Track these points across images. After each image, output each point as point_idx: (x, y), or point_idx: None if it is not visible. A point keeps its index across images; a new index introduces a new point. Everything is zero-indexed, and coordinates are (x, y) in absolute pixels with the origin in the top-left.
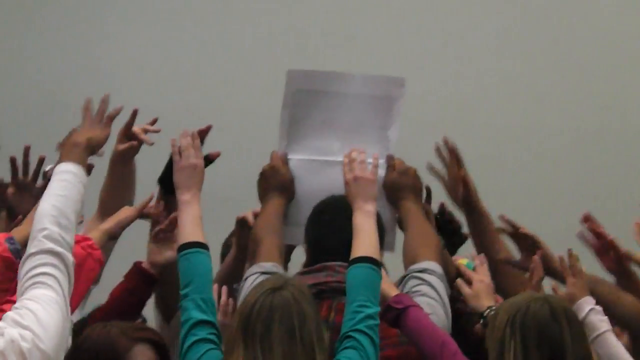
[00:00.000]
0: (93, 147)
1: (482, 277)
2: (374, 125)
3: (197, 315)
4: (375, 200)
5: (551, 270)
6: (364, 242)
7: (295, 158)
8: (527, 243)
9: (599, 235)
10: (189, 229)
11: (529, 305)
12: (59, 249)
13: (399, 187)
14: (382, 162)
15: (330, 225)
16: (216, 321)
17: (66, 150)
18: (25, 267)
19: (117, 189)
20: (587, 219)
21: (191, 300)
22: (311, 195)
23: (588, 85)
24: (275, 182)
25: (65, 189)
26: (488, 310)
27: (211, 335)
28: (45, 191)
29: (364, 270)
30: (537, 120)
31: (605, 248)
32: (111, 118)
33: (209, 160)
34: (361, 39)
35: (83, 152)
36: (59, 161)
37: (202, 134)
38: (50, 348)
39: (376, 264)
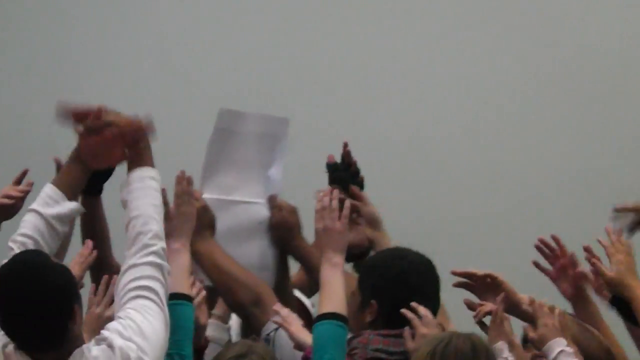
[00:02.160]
0: None
1: (546, 320)
2: (257, 165)
3: None
4: (344, 252)
5: (518, 311)
6: (331, 296)
7: (205, 196)
8: (487, 285)
9: (555, 254)
10: (175, 280)
11: (451, 339)
12: (159, 261)
13: (289, 226)
14: (262, 201)
15: (418, 290)
16: None
17: (148, 152)
18: (127, 277)
19: None
20: (542, 242)
21: (168, 356)
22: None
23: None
24: (207, 221)
25: (157, 198)
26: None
27: None
28: (137, 194)
29: (330, 327)
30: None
31: (562, 270)
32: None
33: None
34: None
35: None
36: (138, 163)
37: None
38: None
39: (343, 319)
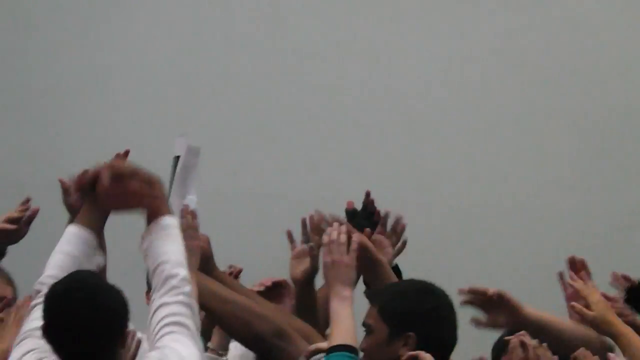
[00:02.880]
0: None
1: (597, 298)
2: (178, 195)
3: None
4: (353, 285)
5: (525, 326)
6: (341, 329)
7: None
8: (494, 302)
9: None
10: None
11: None
12: (189, 300)
13: (207, 255)
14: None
15: (454, 322)
16: None
17: (163, 201)
18: (160, 314)
19: None
20: (573, 260)
21: None
22: None
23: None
24: (208, 254)
25: (181, 244)
26: None
27: None
28: (162, 242)
29: (343, 359)
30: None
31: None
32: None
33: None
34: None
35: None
36: (156, 212)
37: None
38: None
39: (354, 351)
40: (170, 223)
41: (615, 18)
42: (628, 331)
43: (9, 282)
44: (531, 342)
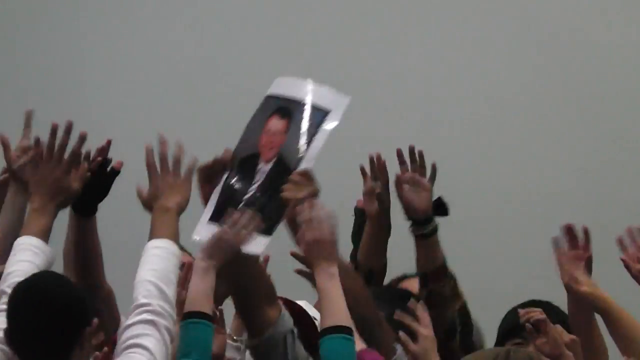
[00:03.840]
0: (182, 211)
1: (427, 332)
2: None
3: None
4: (337, 260)
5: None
6: (333, 309)
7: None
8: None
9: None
10: (198, 297)
11: (509, 354)
12: (152, 317)
13: None
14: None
15: None
16: None
17: (158, 217)
18: (121, 339)
19: None
20: (569, 228)
21: None
22: None
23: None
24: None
25: (156, 263)
26: None
27: None
28: (139, 268)
29: (339, 341)
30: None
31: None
32: (192, 171)
33: (114, 173)
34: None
35: (174, 218)
36: (150, 235)
37: (103, 151)
38: None
39: (349, 332)
40: (151, 245)
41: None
42: (620, 308)
43: None
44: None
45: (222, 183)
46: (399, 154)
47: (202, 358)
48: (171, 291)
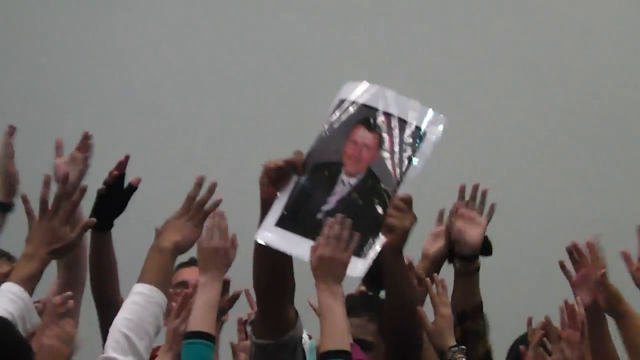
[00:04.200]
0: (181, 252)
1: (445, 311)
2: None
3: None
4: (341, 282)
5: None
6: (334, 331)
7: None
8: None
9: (583, 261)
10: (197, 316)
11: None
12: None
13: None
14: None
15: None
16: None
17: (150, 258)
18: None
19: None
20: (574, 247)
21: None
22: None
23: None
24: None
25: (130, 312)
26: (451, 351)
27: None
28: (120, 309)
29: None
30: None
31: (584, 278)
32: (206, 215)
33: (131, 189)
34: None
35: (167, 261)
36: (141, 275)
37: (121, 166)
38: None
39: (349, 357)
40: (134, 291)
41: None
42: (635, 313)
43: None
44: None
45: (291, 187)
46: (462, 190)
47: None
48: (143, 344)
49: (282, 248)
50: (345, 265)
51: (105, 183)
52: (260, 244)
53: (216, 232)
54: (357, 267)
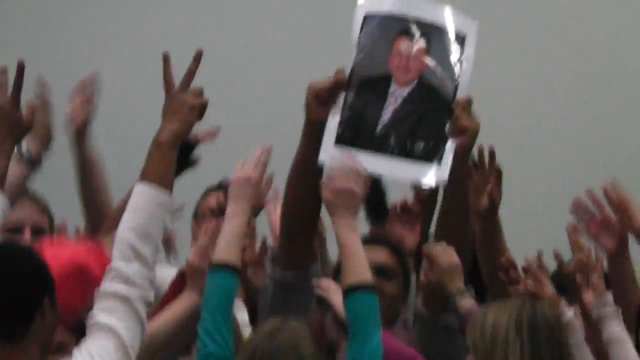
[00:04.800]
0: (180, 139)
1: (443, 262)
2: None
3: (210, 347)
4: (358, 216)
5: None
6: (358, 264)
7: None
8: None
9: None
10: (222, 245)
11: (534, 307)
12: (123, 292)
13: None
14: None
15: None
16: (229, 353)
17: (150, 153)
18: (95, 308)
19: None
20: (578, 202)
21: (205, 330)
22: None
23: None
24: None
25: (135, 216)
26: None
27: None
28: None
29: (365, 298)
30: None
31: (604, 225)
32: (201, 92)
33: (191, 146)
34: None
35: (167, 155)
36: (142, 172)
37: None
38: None
39: (373, 288)
40: (135, 190)
41: None
42: None
43: (44, 210)
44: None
45: (340, 106)
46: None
47: (220, 311)
48: (149, 249)
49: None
50: (360, 197)
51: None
52: (312, 164)
53: (250, 163)
54: (437, 174)
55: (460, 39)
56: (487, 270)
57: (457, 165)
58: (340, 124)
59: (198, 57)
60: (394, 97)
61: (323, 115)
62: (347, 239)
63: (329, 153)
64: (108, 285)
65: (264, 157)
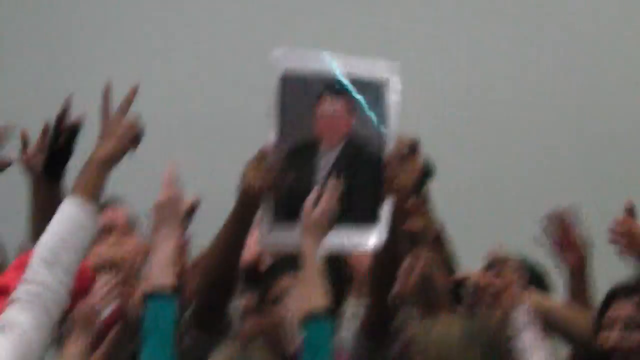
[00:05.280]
0: (112, 160)
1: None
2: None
3: None
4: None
5: None
6: (317, 285)
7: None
8: None
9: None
10: (155, 274)
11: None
12: (33, 293)
13: None
14: None
15: None
16: None
17: (82, 169)
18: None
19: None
20: (554, 214)
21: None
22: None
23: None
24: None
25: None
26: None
27: None
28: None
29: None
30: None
31: (568, 239)
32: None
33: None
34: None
35: (93, 171)
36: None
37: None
38: None
39: (326, 312)
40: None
41: None
42: None
43: None
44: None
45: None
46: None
47: (161, 339)
48: (63, 260)
49: (291, 244)
50: (332, 224)
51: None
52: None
53: (167, 184)
54: (371, 235)
55: (376, 85)
56: None
57: (397, 222)
58: (276, 202)
59: (134, 92)
60: (325, 162)
61: (257, 210)
62: (309, 260)
63: (269, 237)
64: (16, 294)
65: (174, 174)
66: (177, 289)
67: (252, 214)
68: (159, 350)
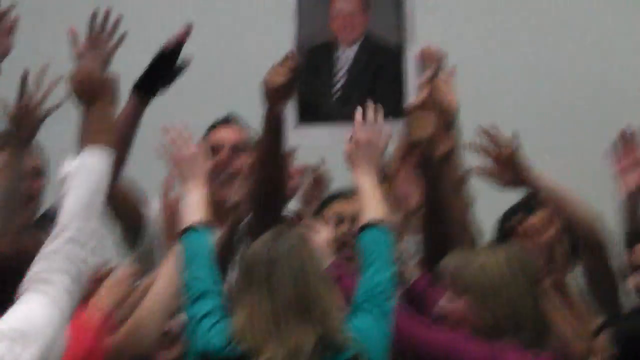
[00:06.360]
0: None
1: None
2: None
3: (202, 286)
4: (378, 167)
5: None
6: (372, 205)
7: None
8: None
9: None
10: (187, 217)
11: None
12: (69, 249)
13: None
14: None
15: None
16: (219, 291)
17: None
18: (36, 267)
19: None
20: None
21: (192, 277)
22: None
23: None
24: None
25: (77, 188)
26: None
27: (216, 306)
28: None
29: (375, 232)
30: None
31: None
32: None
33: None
34: None
35: (99, 110)
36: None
37: (182, 37)
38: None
39: (385, 226)
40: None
41: None
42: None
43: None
44: None
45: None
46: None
47: (201, 262)
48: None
49: (316, 142)
50: (381, 150)
51: (166, 48)
52: (275, 157)
53: (180, 143)
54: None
55: None
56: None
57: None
58: (298, 103)
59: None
60: (344, 59)
61: (283, 108)
62: (363, 184)
63: (295, 137)
64: (52, 244)
65: (185, 133)
66: (208, 224)
67: (278, 113)
68: (201, 270)
